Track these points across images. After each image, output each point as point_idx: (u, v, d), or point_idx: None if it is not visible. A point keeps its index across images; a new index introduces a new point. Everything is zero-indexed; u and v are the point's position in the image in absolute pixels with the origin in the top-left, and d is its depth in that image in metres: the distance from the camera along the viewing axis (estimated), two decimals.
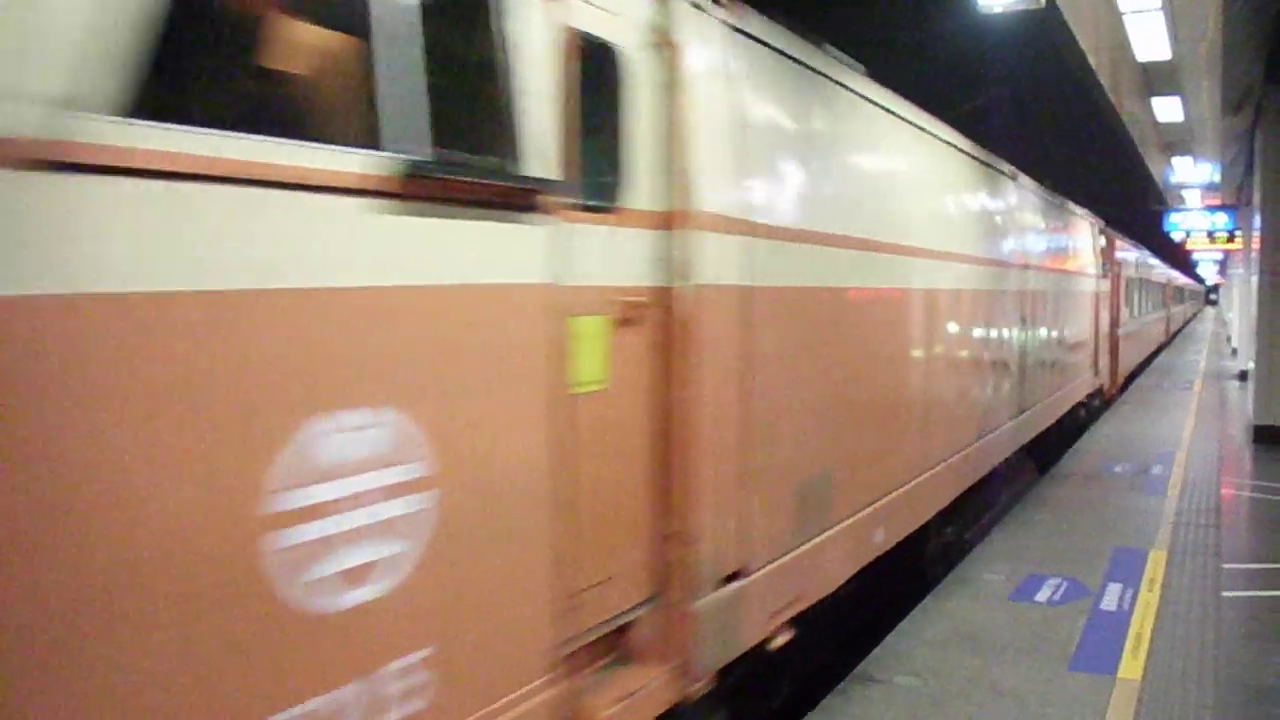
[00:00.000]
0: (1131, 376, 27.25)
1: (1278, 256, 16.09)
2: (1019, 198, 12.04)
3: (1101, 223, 19.82)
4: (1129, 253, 26.05)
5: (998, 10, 8.60)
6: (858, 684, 6.56)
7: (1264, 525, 11.12)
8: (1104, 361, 20.01)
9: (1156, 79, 14.91)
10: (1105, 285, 20.01)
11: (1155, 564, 9.22)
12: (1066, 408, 15.92)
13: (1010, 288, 11.23)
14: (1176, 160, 24.04)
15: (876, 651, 7.11)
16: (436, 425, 3.25)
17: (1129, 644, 7.26)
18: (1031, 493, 12.41)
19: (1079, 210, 16.98)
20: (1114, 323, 21.28)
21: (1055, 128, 22.50)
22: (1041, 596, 8.34)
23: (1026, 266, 12.09)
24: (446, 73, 3.36)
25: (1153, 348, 36.43)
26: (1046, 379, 13.71)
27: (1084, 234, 17.38)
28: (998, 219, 10.97)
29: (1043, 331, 13.29)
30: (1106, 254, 19.93)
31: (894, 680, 6.62)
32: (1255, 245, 18.30)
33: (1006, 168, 11.34)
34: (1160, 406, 21.48)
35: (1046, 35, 11.82)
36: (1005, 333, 11.12)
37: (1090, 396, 18.84)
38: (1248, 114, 18.33)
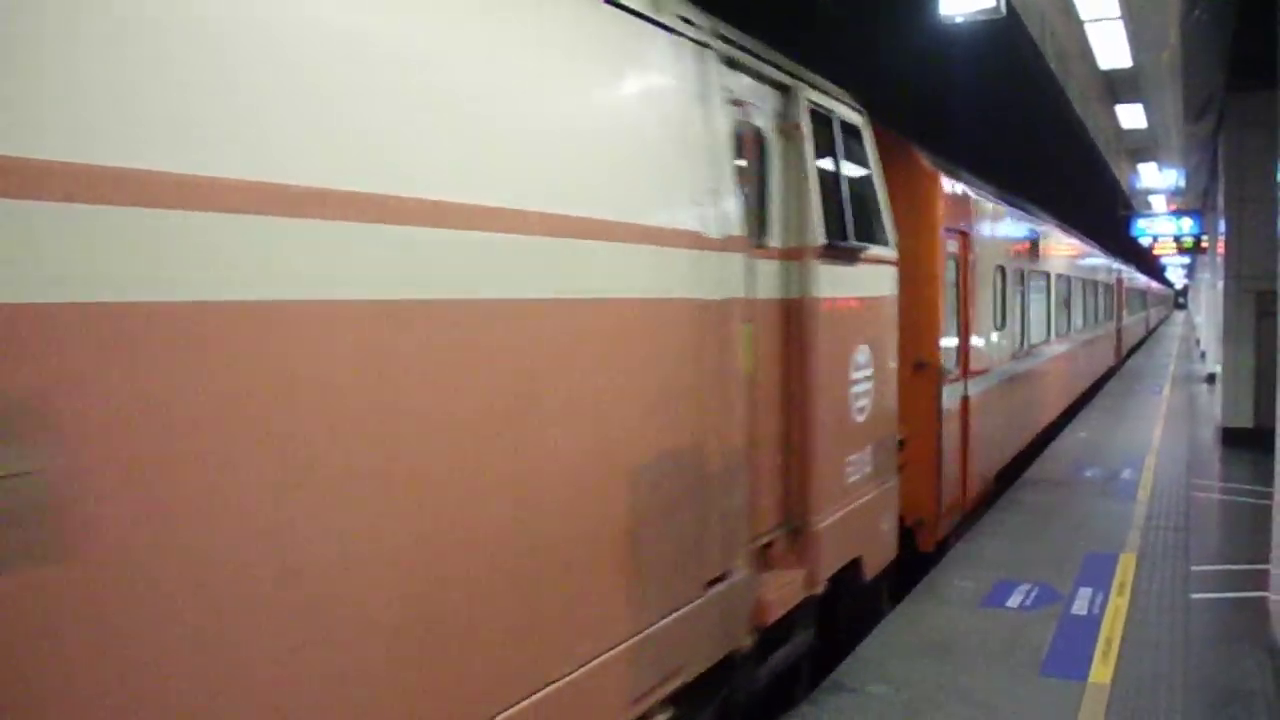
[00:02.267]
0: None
1: (1242, 261, 16.25)
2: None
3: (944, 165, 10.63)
4: (1014, 223, 14.26)
5: (959, 20, 8.65)
6: (830, 693, 6.57)
7: (1232, 527, 11.20)
8: (882, 463, 7.76)
9: (1119, 86, 15.05)
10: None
11: (1125, 568, 9.27)
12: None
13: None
14: (1142, 166, 24.22)
15: (848, 660, 7.12)
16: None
17: (1099, 648, 7.30)
18: (1003, 498, 12.46)
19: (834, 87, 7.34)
20: (964, 363, 10.96)
21: (1023, 135, 22.60)
22: (1012, 602, 8.38)
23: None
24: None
25: (1078, 391, 22.28)
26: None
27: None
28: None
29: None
30: (948, 213, 10.35)
31: (866, 689, 6.63)
32: (1220, 250, 18.48)
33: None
34: (1130, 410, 21.62)
35: (1011, 44, 11.90)
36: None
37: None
38: (1210, 120, 18.52)
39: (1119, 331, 33.54)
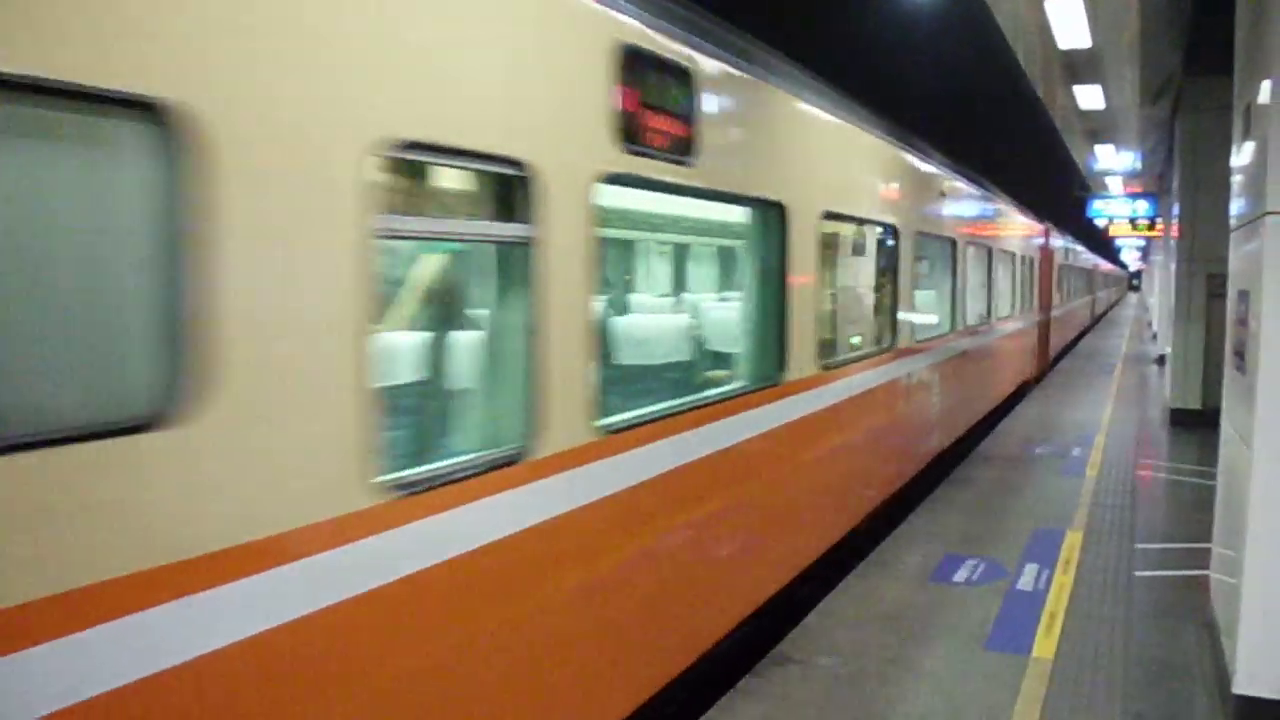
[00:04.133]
0: None
1: (1195, 244, 16.39)
2: None
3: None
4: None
5: None
6: (775, 664, 6.58)
7: (1176, 506, 11.34)
8: None
9: (1079, 67, 15.09)
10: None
11: (1071, 545, 9.36)
12: None
13: None
14: (1099, 148, 24.34)
15: (795, 632, 7.14)
16: None
17: (1043, 623, 7.37)
18: (953, 474, 12.54)
19: None
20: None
21: (983, 113, 22.68)
22: (960, 577, 8.44)
23: None
24: None
25: None
26: None
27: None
28: None
29: None
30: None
31: (812, 660, 6.66)
32: (1174, 233, 18.64)
33: None
34: (1082, 389, 21.84)
35: (972, 22, 11.89)
36: None
37: None
38: (1167, 103, 18.63)
39: (1043, 326, 24.10)
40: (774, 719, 5.88)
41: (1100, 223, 29.71)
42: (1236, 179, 6.89)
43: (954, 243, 13.48)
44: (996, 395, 17.41)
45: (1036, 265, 22.92)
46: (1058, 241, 28.87)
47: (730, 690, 6.22)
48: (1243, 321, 6.15)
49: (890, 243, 10.43)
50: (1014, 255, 19.17)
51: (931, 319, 12.58)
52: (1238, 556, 5.76)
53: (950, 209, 13.22)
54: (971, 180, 14.88)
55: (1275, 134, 5.42)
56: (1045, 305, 24.47)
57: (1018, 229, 20.01)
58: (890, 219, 10.15)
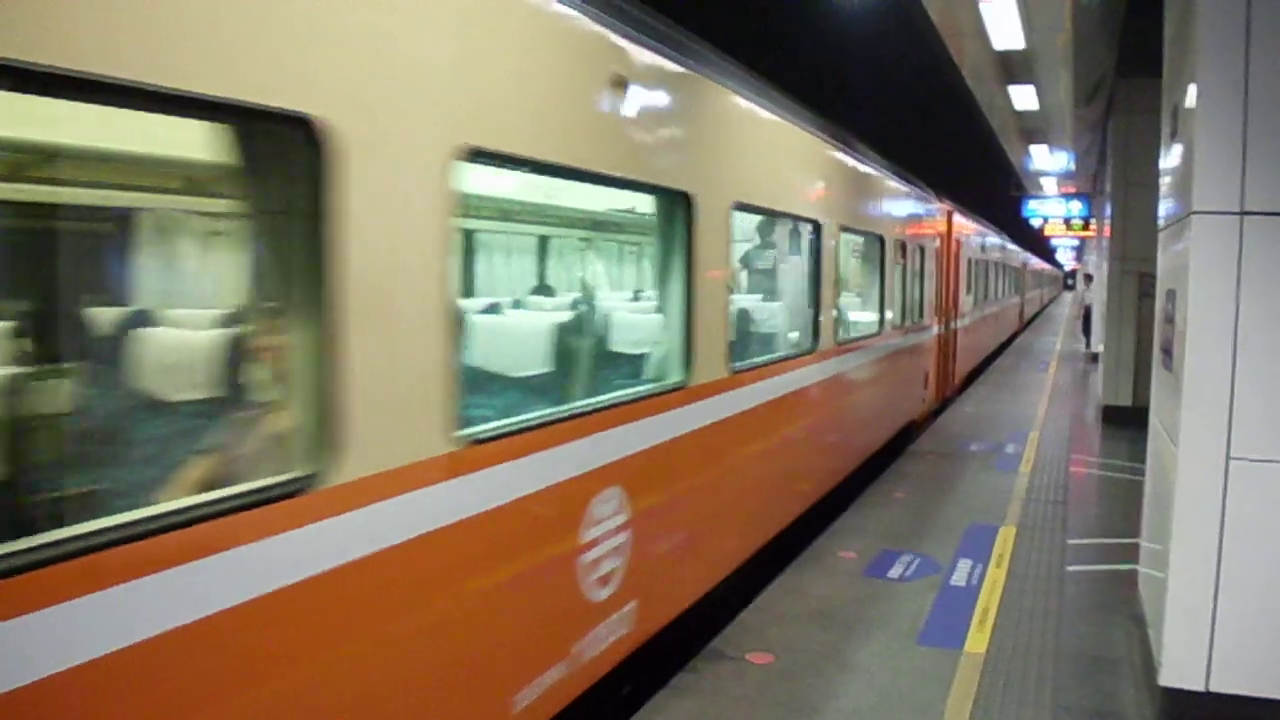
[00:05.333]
0: None
1: (1126, 244, 16.65)
2: None
3: None
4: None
5: None
6: (708, 660, 6.58)
7: (1108, 501, 11.51)
8: None
9: (1014, 67, 15.27)
10: None
11: (1004, 540, 9.47)
12: None
13: None
14: (1034, 148, 24.67)
15: (728, 628, 7.15)
16: None
17: (976, 618, 7.44)
18: (889, 470, 12.64)
19: None
20: None
21: (917, 111, 22.77)
22: (894, 573, 8.49)
23: None
24: None
25: None
26: None
27: None
28: None
29: None
30: None
31: (746, 656, 6.66)
32: (1107, 233, 18.93)
33: None
34: (1016, 387, 22.12)
35: (907, 20, 11.97)
36: None
37: None
38: (1100, 105, 18.91)
39: (944, 343, 18.48)
40: (706, 714, 5.87)
41: (1035, 221, 30.11)
42: (1165, 180, 7.00)
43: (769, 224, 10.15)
44: (832, 470, 10.70)
45: (932, 259, 16.67)
46: (967, 229, 22.08)
47: (663, 687, 6.21)
48: (1170, 319, 6.25)
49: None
50: (888, 243, 12.82)
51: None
52: (1164, 551, 5.85)
53: (764, 166, 8.37)
54: (805, 124, 9.45)
55: (1201, 136, 5.51)
56: (948, 313, 18.77)
57: (896, 207, 13.72)
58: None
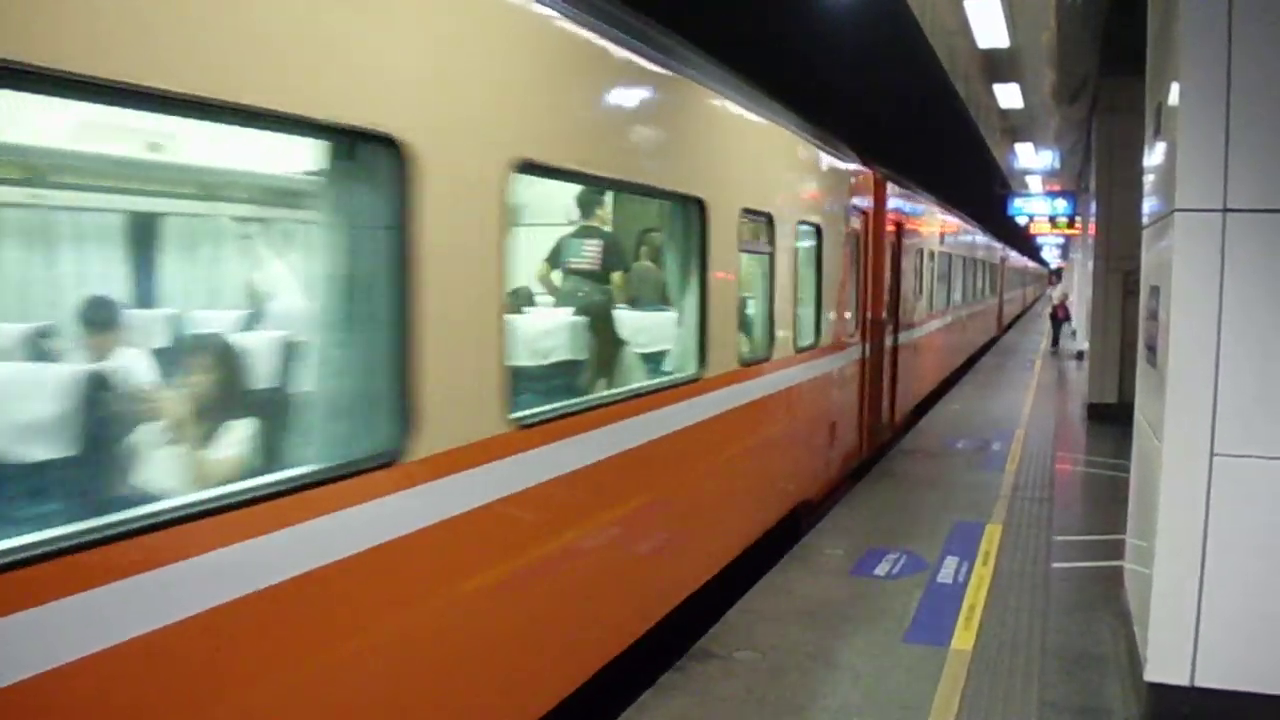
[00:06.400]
0: None
1: (1112, 242, 16.70)
2: None
3: None
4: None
5: None
6: (696, 660, 6.58)
7: (1093, 499, 11.55)
8: None
9: (998, 66, 15.31)
10: None
11: (990, 537, 9.49)
12: None
13: None
14: (1019, 146, 24.74)
15: (715, 627, 7.15)
16: None
17: (962, 616, 7.45)
18: (875, 469, 12.67)
19: None
20: None
21: (904, 109, 22.80)
22: (880, 571, 8.50)
23: None
24: None
25: None
26: None
27: None
28: None
29: None
30: None
31: (733, 655, 6.66)
32: (1092, 231, 18.99)
33: None
34: (1002, 384, 22.18)
35: (893, 19, 12.00)
36: None
37: None
38: (1084, 104, 18.98)
39: (873, 368, 13.21)
40: (694, 713, 5.87)
41: (1020, 219, 30.19)
42: (1148, 178, 7.02)
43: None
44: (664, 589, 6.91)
45: (841, 247, 11.26)
46: (914, 208, 16.53)
47: (651, 686, 6.20)
48: (1154, 316, 6.27)
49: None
50: (778, 224, 8.75)
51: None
52: (1149, 547, 5.87)
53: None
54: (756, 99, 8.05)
55: (1183, 134, 5.53)
56: (878, 327, 13.46)
57: (785, 170, 9.45)
58: None
